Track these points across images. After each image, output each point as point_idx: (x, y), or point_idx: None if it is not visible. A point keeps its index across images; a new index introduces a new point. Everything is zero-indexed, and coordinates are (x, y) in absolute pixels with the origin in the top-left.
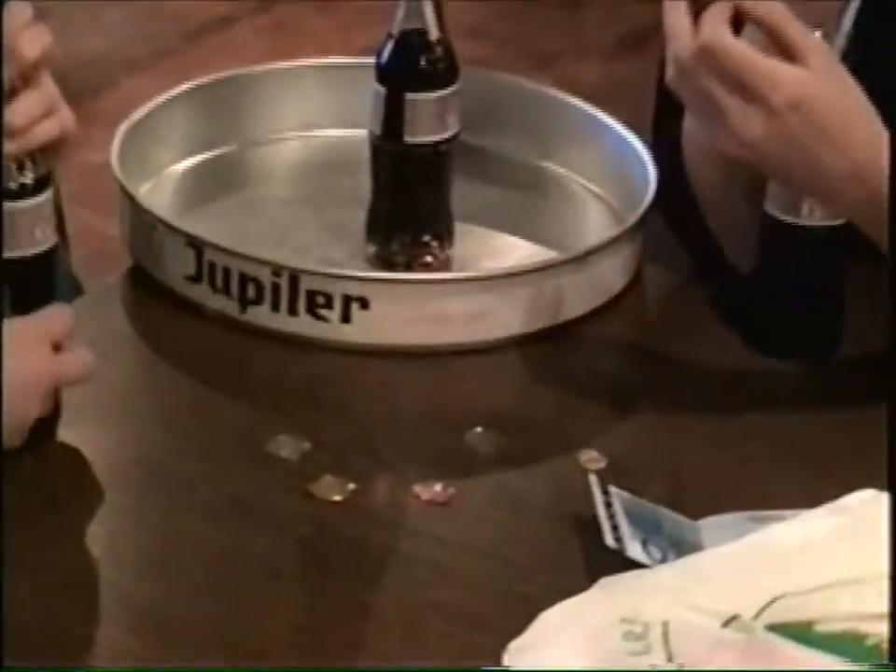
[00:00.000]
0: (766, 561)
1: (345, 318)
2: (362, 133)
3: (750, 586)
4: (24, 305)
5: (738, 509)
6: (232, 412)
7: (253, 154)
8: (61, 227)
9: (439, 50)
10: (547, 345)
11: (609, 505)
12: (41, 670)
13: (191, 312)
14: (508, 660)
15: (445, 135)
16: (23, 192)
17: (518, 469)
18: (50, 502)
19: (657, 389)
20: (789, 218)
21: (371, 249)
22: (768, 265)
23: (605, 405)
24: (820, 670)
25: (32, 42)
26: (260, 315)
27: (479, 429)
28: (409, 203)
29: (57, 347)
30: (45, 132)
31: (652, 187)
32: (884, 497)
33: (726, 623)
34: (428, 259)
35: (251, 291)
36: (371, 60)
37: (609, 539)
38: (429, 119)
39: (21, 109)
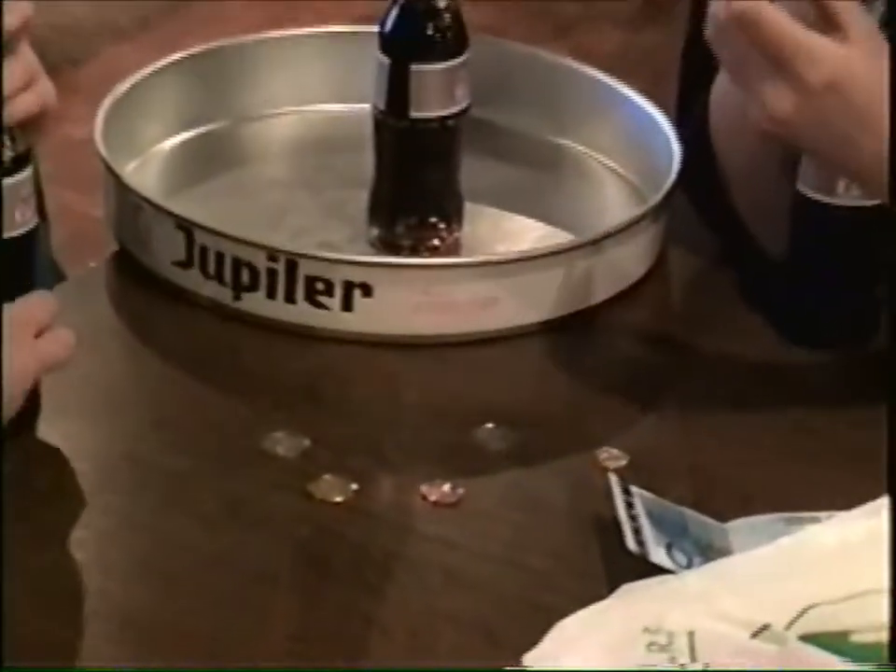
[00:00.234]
0: (799, 566)
1: (346, 306)
2: (364, 107)
3: (782, 593)
4: (2, 291)
5: (769, 510)
6: (226, 406)
7: (246, 130)
8: (41, 208)
9: (447, 18)
10: (563, 335)
11: (630, 506)
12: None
13: (181, 299)
14: None
15: (454, 109)
16: (1, 171)
17: (532, 467)
18: (32, 504)
19: (681, 382)
20: (823, 197)
21: (374, 232)
22: (801, 248)
23: (625, 399)
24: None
25: (12, 11)
26: (255, 303)
27: (490, 425)
28: (414, 183)
29: (38, 336)
30: (24, 105)
31: (676, 164)
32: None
33: (756, 633)
34: (436, 242)
35: (245, 277)
36: (374, 28)
37: (631, 543)
38: (436, 92)
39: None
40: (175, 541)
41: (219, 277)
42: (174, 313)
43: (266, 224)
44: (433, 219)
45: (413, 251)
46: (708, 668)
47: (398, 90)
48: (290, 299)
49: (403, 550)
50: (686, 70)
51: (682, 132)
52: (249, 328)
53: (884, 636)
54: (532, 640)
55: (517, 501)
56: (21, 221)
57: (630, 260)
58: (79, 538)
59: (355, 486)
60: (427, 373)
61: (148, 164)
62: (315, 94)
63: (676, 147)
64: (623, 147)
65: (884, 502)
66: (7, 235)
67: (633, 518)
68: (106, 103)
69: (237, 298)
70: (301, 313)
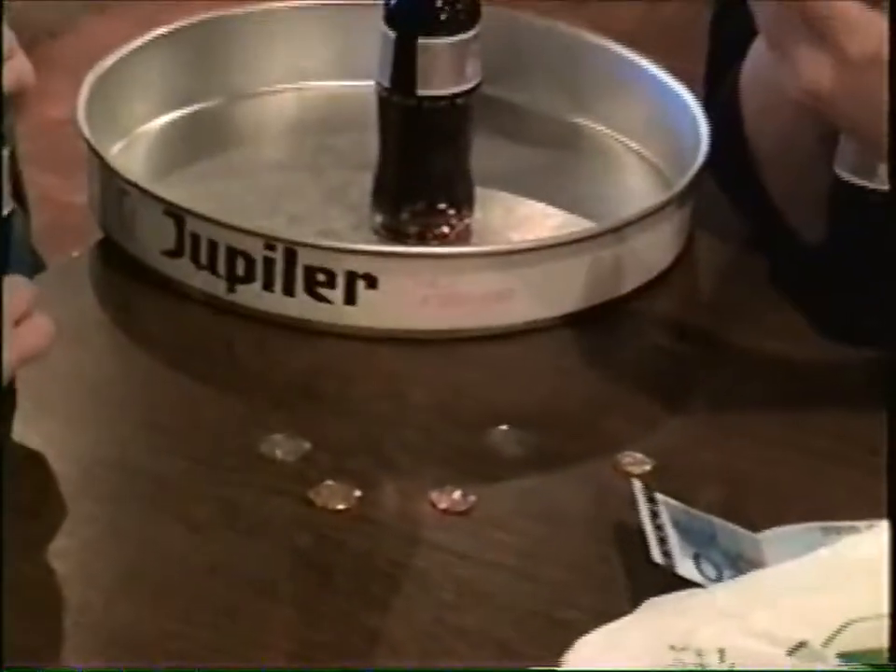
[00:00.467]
0: (837, 579)
1: (349, 299)
2: (367, 84)
3: (820, 608)
4: None
5: (805, 518)
6: (220, 407)
7: (240, 109)
8: (18, 193)
9: None
10: (583, 330)
11: (655, 515)
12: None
13: (171, 291)
14: None
15: (464, 87)
16: None
17: (549, 473)
18: (10, 512)
19: (710, 379)
20: (861, 181)
21: (379, 219)
22: (838, 235)
23: (650, 398)
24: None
25: None
26: (251, 296)
27: (504, 427)
28: (422, 166)
29: (17, 325)
30: None
31: (704, 145)
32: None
33: (792, 651)
34: (445, 229)
35: (240, 268)
36: None
37: (656, 555)
38: (446, 68)
39: None
40: (165, 552)
41: (212, 267)
42: (163, 306)
43: (262, 210)
44: (442, 205)
45: (421, 239)
46: (734, 668)
47: (404, 65)
48: (289, 291)
49: (410, 561)
50: (715, 43)
51: (710, 110)
52: (244, 322)
53: None
54: (549, 659)
55: (533, 509)
56: None
57: (654, 249)
58: (61, 547)
59: (358, 493)
60: (436, 371)
61: (135, 146)
62: (315, 70)
63: (703, 127)
64: (647, 126)
65: None
66: None
67: (658, 527)
68: (89, 79)
69: (231, 290)
70: (300, 306)
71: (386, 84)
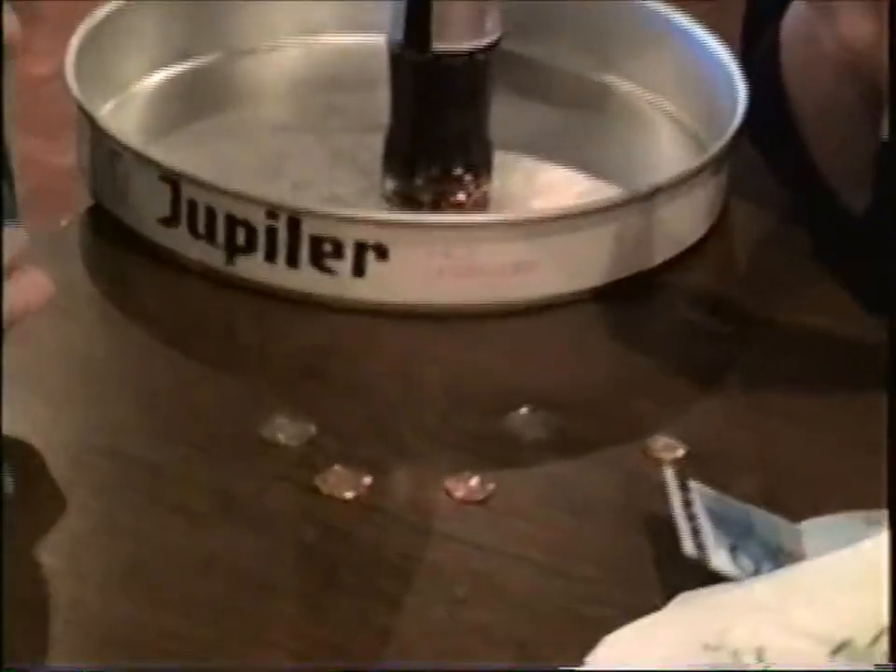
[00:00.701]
0: (884, 573)
1: (358, 271)
2: (378, 39)
3: (865, 605)
4: None
5: (848, 507)
6: (218, 388)
7: (241, 65)
8: (1, 157)
9: None
10: (610, 305)
11: (688, 504)
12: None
13: (166, 263)
14: None
15: (483, 42)
16: None
17: (574, 459)
18: None
19: (747, 358)
20: None
21: (390, 185)
22: (884, 203)
23: (681, 378)
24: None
25: None
26: (253, 268)
27: (525, 410)
28: (437, 128)
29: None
30: None
31: (741, 106)
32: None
33: (836, 651)
34: (461, 196)
35: (240, 237)
36: None
37: (689, 547)
38: (463, 22)
39: None
40: (161, 545)
41: (210, 237)
42: (157, 278)
43: (264, 175)
44: (458, 170)
45: (435, 207)
46: (773, 669)
47: (418, 19)
48: (293, 262)
49: (423, 553)
50: None
51: (748, 67)
52: (245, 295)
53: None
54: (573, 659)
55: (556, 498)
56: None
57: (687, 218)
58: (50, 541)
59: (367, 480)
60: (451, 349)
61: (128, 105)
62: (321, 23)
63: (740, 86)
64: (679, 85)
65: None
66: None
67: (691, 517)
68: (78, 32)
69: (231, 261)
70: (305, 279)
71: (399, 39)
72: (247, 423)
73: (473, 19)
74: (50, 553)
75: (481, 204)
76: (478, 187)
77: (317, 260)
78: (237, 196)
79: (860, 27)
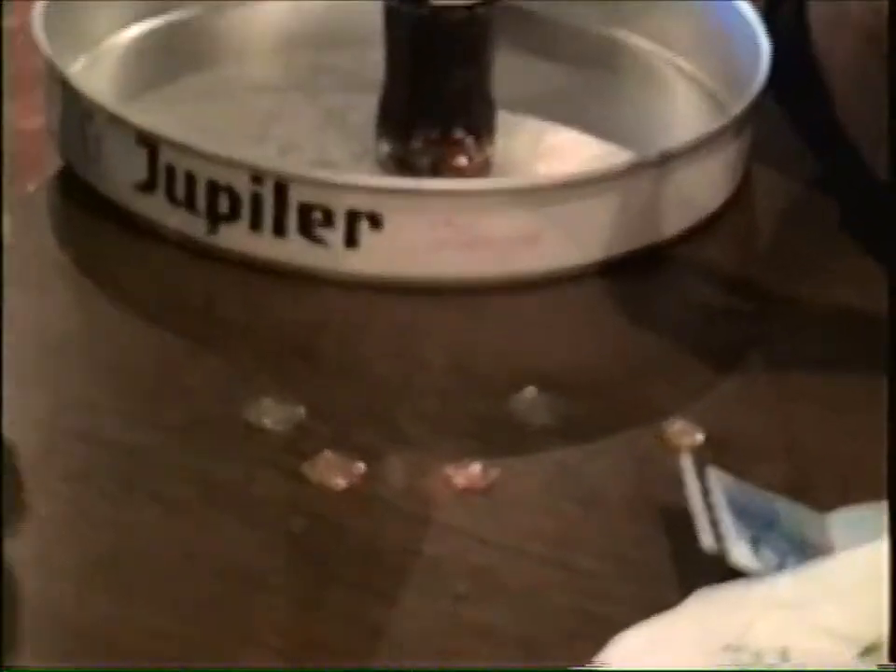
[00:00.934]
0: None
1: (351, 241)
2: None
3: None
4: None
5: (879, 497)
6: (200, 367)
7: (223, 20)
8: None
9: None
10: (622, 279)
11: (706, 493)
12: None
13: (143, 232)
14: None
15: None
16: None
17: (583, 444)
18: None
19: (769, 337)
20: None
21: (385, 148)
22: None
23: (699, 358)
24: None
25: None
26: (236, 238)
27: (530, 391)
28: (436, 87)
29: None
30: None
31: (765, 64)
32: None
33: (865, 653)
34: (462, 161)
35: (223, 205)
36: None
37: (707, 539)
38: None
39: None
40: (139, 535)
41: (190, 204)
42: (133, 249)
43: (249, 138)
44: (459, 133)
45: (434, 172)
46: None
47: None
48: (280, 232)
49: (422, 546)
50: None
51: (772, 24)
52: (228, 268)
53: None
54: (582, 659)
55: (564, 487)
56: None
57: (705, 186)
58: (21, 533)
59: (361, 467)
60: (451, 326)
61: (101, 61)
62: None
63: (764, 44)
64: (697, 40)
65: None
66: None
67: (709, 508)
68: None
69: (213, 230)
70: (293, 249)
71: None
72: (231, 405)
73: None
74: (18, 545)
75: (483, 170)
76: (480, 150)
77: (306, 230)
78: (219, 160)
79: None
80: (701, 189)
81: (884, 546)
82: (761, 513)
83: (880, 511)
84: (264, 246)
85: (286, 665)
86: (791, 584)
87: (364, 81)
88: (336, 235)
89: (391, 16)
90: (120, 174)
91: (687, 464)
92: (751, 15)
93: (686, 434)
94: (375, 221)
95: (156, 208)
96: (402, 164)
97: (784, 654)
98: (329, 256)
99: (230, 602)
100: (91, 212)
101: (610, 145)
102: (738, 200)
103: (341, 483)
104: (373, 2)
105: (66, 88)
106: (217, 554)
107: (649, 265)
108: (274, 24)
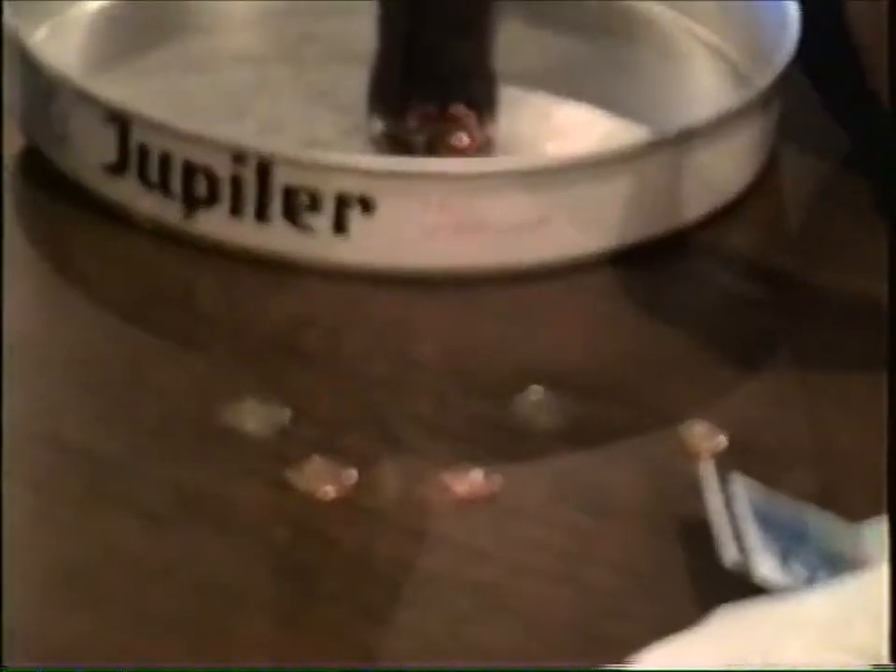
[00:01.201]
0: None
1: (340, 228)
2: None
3: None
4: None
5: None
6: (176, 366)
7: None
8: None
9: None
10: (636, 268)
11: (729, 502)
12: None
13: (113, 217)
14: None
15: None
16: None
17: (594, 449)
18: None
19: (797, 331)
20: None
21: (377, 125)
22: None
23: (721, 355)
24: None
25: None
26: (215, 224)
27: (535, 392)
28: (432, 58)
29: None
30: None
31: (793, 35)
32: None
33: None
34: (461, 139)
35: (201, 188)
36: None
37: (731, 553)
38: None
39: None
40: (110, 547)
41: (165, 187)
42: (102, 236)
43: (228, 114)
44: (457, 109)
45: (431, 151)
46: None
47: None
48: (262, 217)
49: (418, 560)
50: None
51: None
52: (206, 257)
53: None
54: None
55: (573, 495)
56: None
57: (728, 167)
58: None
59: (352, 474)
60: (450, 321)
61: (66, 31)
62: None
63: (792, 12)
64: (719, 8)
65: None
66: None
67: (733, 518)
68: None
69: (189, 216)
70: (277, 236)
71: None
72: (209, 407)
73: None
74: None
75: (484, 149)
76: (481, 128)
77: (292, 215)
78: (196, 139)
79: None
80: (723, 169)
81: None
82: (789, 524)
83: None
84: (245, 233)
85: None
86: (821, 601)
87: (354, 52)
88: (324, 221)
89: None
90: (88, 154)
91: (708, 470)
92: None
93: (707, 438)
94: (366, 206)
95: (127, 192)
96: (396, 143)
97: None
98: (317, 244)
99: (207, 621)
100: (56, 196)
101: (624, 122)
102: (764, 181)
103: (329, 491)
104: None
105: (28, 59)
106: (194, 569)
107: (666, 253)
108: None
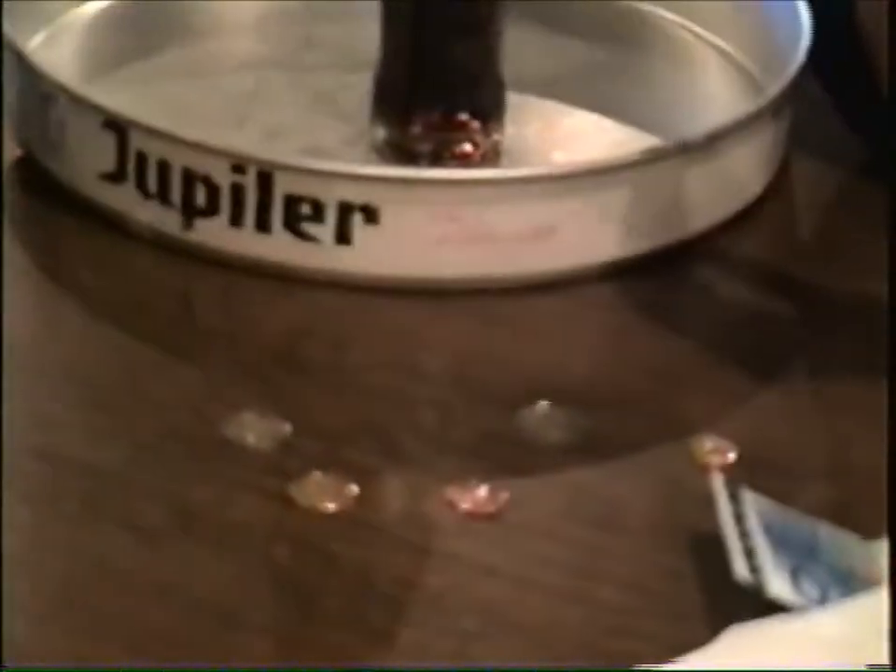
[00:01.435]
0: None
1: (343, 238)
2: None
3: None
4: None
5: None
6: (174, 377)
7: None
8: None
9: None
10: (646, 278)
11: (740, 518)
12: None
13: (111, 227)
14: None
15: None
16: None
17: (603, 463)
18: None
19: (811, 341)
20: None
21: (381, 133)
22: None
23: (733, 367)
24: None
25: None
26: (215, 233)
27: (543, 405)
28: (438, 64)
29: None
30: None
31: (805, 39)
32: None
33: None
34: (467, 147)
35: (200, 197)
36: None
37: (742, 569)
38: None
39: None
40: (104, 565)
41: (164, 196)
42: (100, 246)
43: (229, 122)
44: (463, 115)
45: (436, 160)
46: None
47: None
48: (263, 227)
49: (422, 578)
50: None
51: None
52: (206, 267)
53: None
54: None
55: (582, 511)
56: None
57: (739, 174)
58: None
59: (354, 489)
60: (454, 332)
61: (63, 37)
62: None
63: (804, 16)
64: (730, 14)
65: None
66: None
67: (744, 534)
68: None
69: (188, 225)
70: (278, 247)
71: None
72: (208, 420)
73: None
74: None
75: (491, 157)
76: (487, 135)
77: (293, 225)
78: (196, 146)
79: None
80: (734, 177)
81: None
82: (801, 541)
83: None
84: (246, 243)
85: None
86: (835, 621)
87: (357, 58)
88: (326, 231)
89: None
90: (85, 162)
91: (719, 485)
92: None
93: (718, 452)
94: (370, 215)
95: (125, 201)
96: (400, 151)
97: None
98: (319, 253)
99: (205, 641)
100: (52, 205)
101: (633, 130)
102: (776, 189)
103: (331, 506)
104: None
105: (24, 66)
106: (191, 587)
107: (676, 263)
108: None
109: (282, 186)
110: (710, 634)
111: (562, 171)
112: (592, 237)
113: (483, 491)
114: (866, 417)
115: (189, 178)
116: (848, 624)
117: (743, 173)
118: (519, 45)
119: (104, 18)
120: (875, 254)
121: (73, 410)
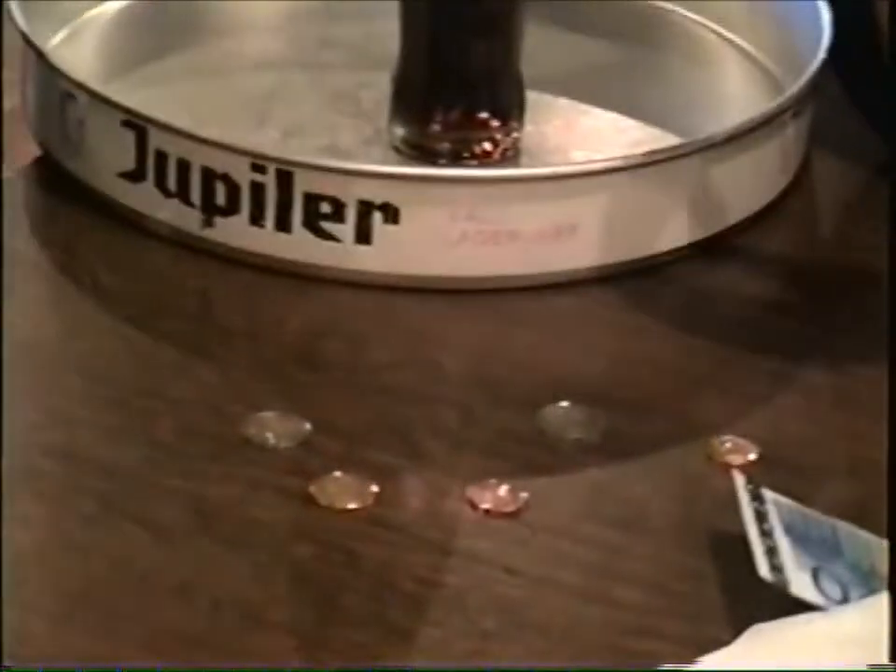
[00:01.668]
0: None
1: (362, 237)
2: None
3: None
4: None
5: None
6: (194, 377)
7: None
8: None
9: None
10: (667, 278)
11: (762, 518)
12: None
13: (130, 226)
14: None
15: None
16: None
17: (623, 463)
18: None
19: (832, 342)
20: None
21: (400, 132)
22: None
23: (753, 367)
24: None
25: None
26: (235, 232)
27: (564, 404)
28: (457, 63)
29: None
30: None
31: (826, 38)
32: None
33: None
34: (487, 145)
35: (220, 196)
36: None
37: (763, 569)
38: None
39: None
40: (123, 564)
41: (183, 195)
42: (119, 244)
43: (248, 121)
44: (483, 114)
45: (456, 158)
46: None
47: None
48: (283, 226)
49: (442, 577)
50: None
51: None
52: (225, 266)
53: None
54: None
55: (602, 511)
56: None
57: (759, 174)
58: None
59: (374, 488)
60: (474, 331)
61: (83, 36)
62: None
63: (824, 14)
64: (750, 12)
65: None
66: None
67: (766, 534)
68: None
69: (208, 224)
70: (298, 245)
71: None
72: (228, 419)
73: None
74: None
75: (511, 156)
76: (507, 134)
77: (313, 224)
78: (216, 145)
79: None
80: (754, 177)
81: None
82: (823, 540)
83: None
84: (265, 242)
85: None
86: (857, 619)
87: (376, 57)
88: (346, 229)
89: None
90: (105, 161)
91: (740, 485)
92: None
93: (739, 452)
94: (389, 214)
95: (145, 199)
96: (420, 150)
97: None
98: (338, 252)
99: (225, 641)
100: (71, 204)
101: (653, 128)
102: (796, 189)
103: (351, 505)
104: None
105: (43, 65)
106: (211, 586)
107: (696, 262)
108: None
109: (302, 185)
110: (732, 634)
111: (583, 169)
112: (611, 237)
113: (502, 490)
114: (886, 416)
115: (209, 177)
116: (870, 623)
117: (763, 171)
118: (539, 44)
119: (123, 17)
120: None
121: (91, 409)
